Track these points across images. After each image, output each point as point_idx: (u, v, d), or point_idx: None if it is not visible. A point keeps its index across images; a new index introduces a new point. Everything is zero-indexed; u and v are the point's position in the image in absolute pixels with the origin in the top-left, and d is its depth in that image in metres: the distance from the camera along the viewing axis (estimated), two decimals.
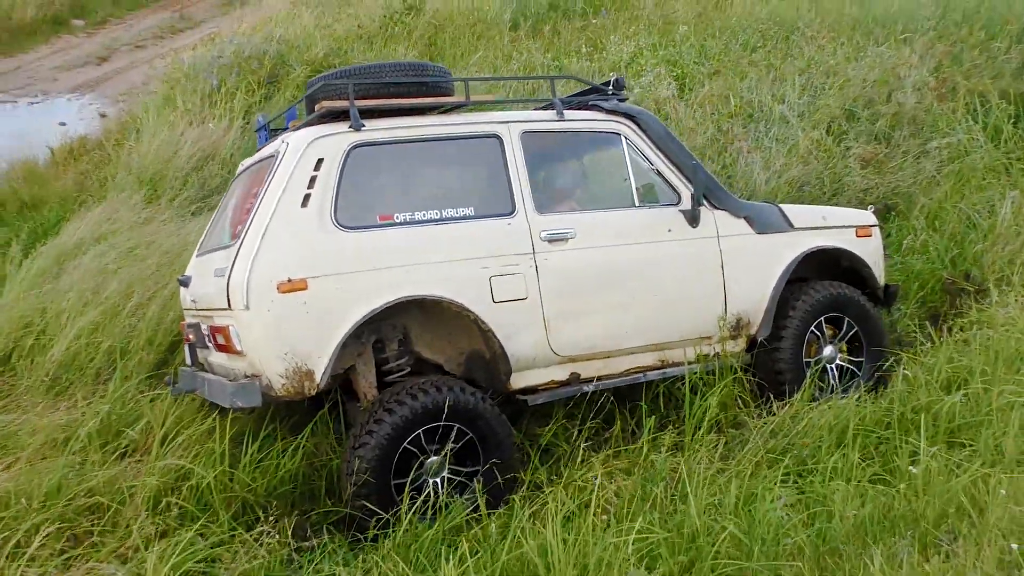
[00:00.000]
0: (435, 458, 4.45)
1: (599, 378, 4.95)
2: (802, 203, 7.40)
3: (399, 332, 4.73)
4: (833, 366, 5.50)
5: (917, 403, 4.53)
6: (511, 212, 4.74)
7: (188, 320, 5.15)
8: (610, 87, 5.44)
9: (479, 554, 3.60)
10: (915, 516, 3.54)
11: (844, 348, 5.57)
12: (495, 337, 4.60)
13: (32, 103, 13.44)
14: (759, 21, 10.85)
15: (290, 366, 4.24)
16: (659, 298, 5.01)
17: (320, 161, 4.43)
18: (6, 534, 3.86)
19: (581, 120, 5.10)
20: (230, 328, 4.39)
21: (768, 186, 7.62)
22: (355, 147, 4.53)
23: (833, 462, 4.06)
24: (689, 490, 3.73)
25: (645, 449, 4.48)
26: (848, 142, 7.87)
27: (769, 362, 5.35)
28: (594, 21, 11.74)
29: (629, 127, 5.16)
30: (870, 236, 5.78)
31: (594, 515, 3.66)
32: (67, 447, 4.66)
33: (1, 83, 14.22)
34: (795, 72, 9.18)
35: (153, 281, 6.06)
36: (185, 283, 5.08)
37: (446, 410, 4.38)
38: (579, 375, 4.92)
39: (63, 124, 12.13)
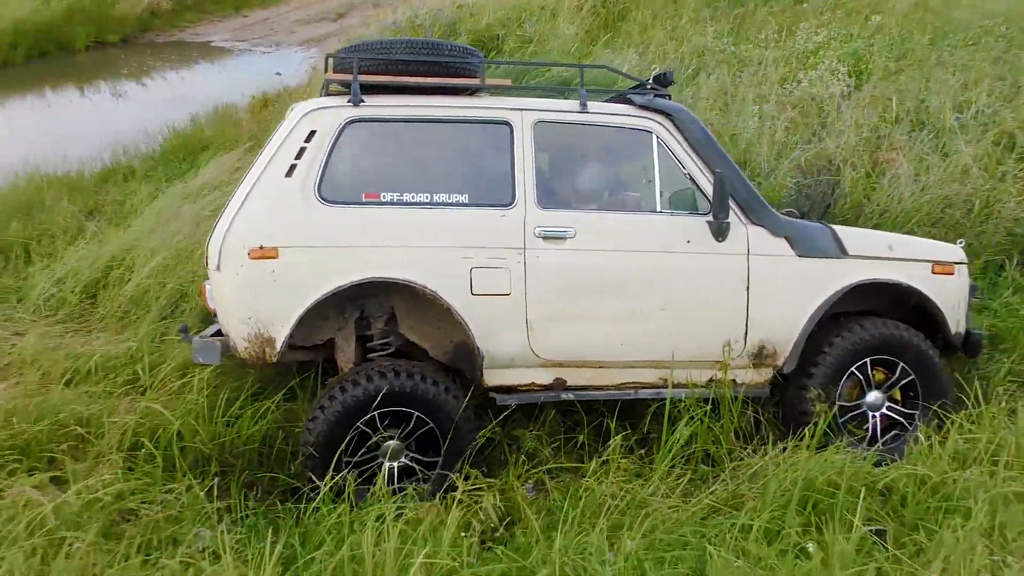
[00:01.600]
0: (393, 442, 4.42)
1: (586, 388, 4.68)
2: (937, 227, 6.59)
3: (386, 311, 4.70)
4: (877, 414, 4.87)
5: (912, 471, 3.92)
6: (509, 204, 4.55)
7: None
8: (649, 82, 5.05)
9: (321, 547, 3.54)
10: None
11: (898, 395, 4.92)
12: (468, 330, 4.47)
13: (264, 52, 14.51)
14: (986, 17, 9.65)
15: (252, 331, 4.33)
16: (667, 313, 4.63)
17: (312, 133, 4.45)
18: None
19: (607, 114, 4.77)
20: (206, 286, 4.57)
21: (910, 203, 6.80)
22: (351, 122, 4.51)
23: (764, 523, 3.60)
24: (560, 524, 3.45)
25: (593, 468, 4.20)
26: (1008, 164, 6.84)
27: (795, 400, 4.83)
28: (804, 5, 10.95)
29: (663, 126, 4.77)
30: (951, 274, 5.00)
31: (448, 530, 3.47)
32: (89, 376, 5.06)
33: (247, 33, 15.47)
34: (993, 78, 8.10)
35: None
36: None
37: (401, 396, 4.34)
38: (565, 381, 4.67)
39: (278, 74, 13.01)
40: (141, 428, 4.55)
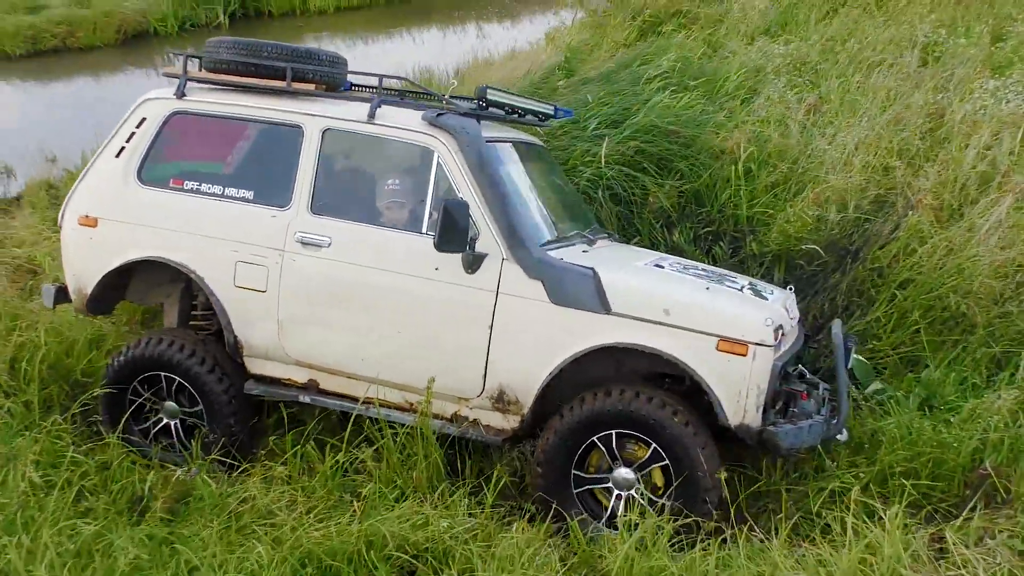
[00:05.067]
0: (171, 403, 4.98)
1: (342, 396, 4.78)
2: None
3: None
4: (624, 494, 4.31)
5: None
6: (285, 206, 4.74)
7: None
8: (445, 97, 4.82)
9: None
10: None
11: (658, 480, 4.30)
12: (227, 317, 4.81)
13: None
14: None
15: (76, 285, 5.10)
16: (403, 337, 4.56)
17: (143, 120, 5.00)
18: None
19: (392, 127, 4.67)
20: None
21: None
22: (174, 114, 4.98)
23: None
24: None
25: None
26: None
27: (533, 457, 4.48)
28: None
29: (445, 145, 4.56)
30: (742, 355, 4.13)
31: None
32: None
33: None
34: None
35: None
36: None
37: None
38: (318, 383, 4.83)
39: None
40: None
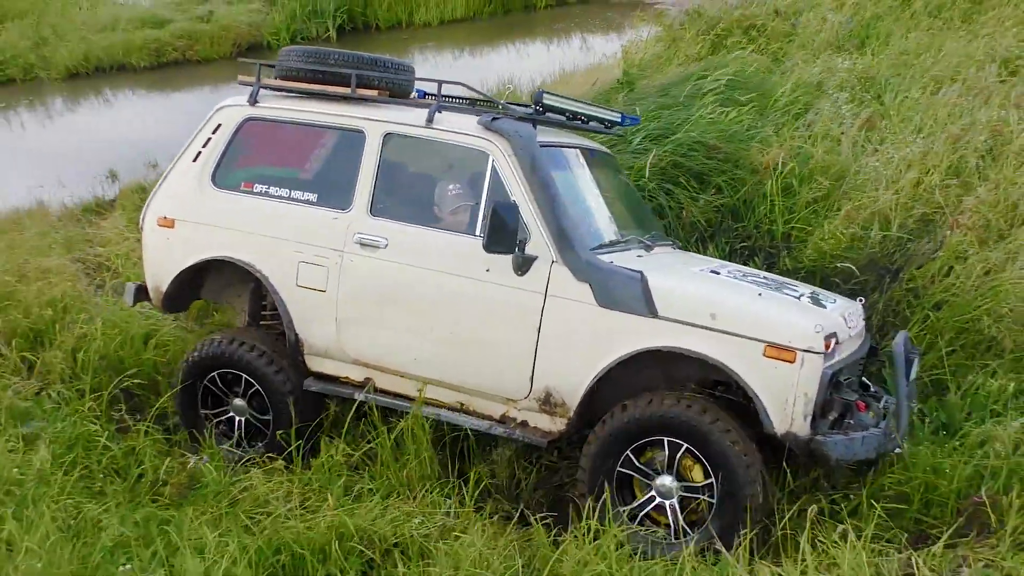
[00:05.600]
0: (240, 401, 5.25)
1: (397, 396, 4.92)
2: None
3: None
4: (669, 503, 4.32)
5: None
6: (346, 208, 4.94)
7: None
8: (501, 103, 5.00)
9: None
10: None
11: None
12: (289, 316, 5.05)
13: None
14: None
15: (153, 284, 5.46)
16: (454, 337, 4.69)
17: (219, 127, 5.30)
18: None
19: (449, 131, 4.81)
20: None
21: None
22: (247, 120, 5.25)
23: None
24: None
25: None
26: None
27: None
28: None
29: (500, 148, 4.66)
30: (790, 361, 4.08)
31: None
32: None
33: None
34: None
35: None
36: None
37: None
38: (374, 382, 4.98)
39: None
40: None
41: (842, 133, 6.74)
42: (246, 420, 5.23)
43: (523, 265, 4.50)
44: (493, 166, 4.66)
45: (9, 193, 9.21)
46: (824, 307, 4.52)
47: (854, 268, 5.80)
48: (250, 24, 15.52)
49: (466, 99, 5.35)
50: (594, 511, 4.16)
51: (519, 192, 4.59)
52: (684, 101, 6.96)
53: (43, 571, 3.51)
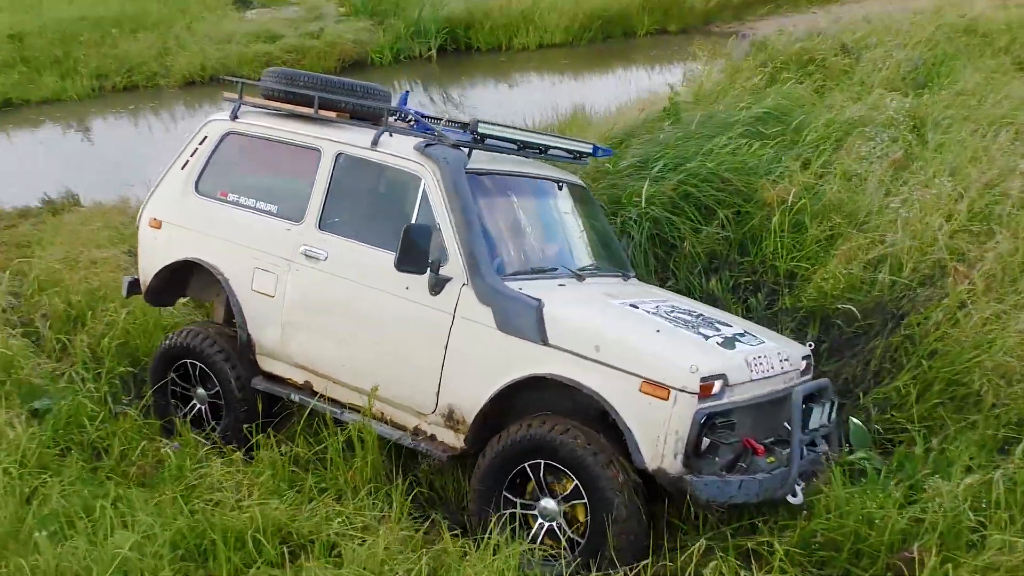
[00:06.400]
0: (202, 390, 5.63)
1: (334, 401, 5.16)
2: None
3: None
4: (553, 524, 4.41)
5: None
6: (299, 221, 5.27)
7: None
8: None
9: None
10: None
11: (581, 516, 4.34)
12: (243, 316, 5.41)
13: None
14: None
15: (143, 279, 5.91)
16: (377, 348, 4.95)
17: (205, 138, 5.74)
18: None
19: (389, 154, 5.06)
20: None
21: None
22: (228, 133, 5.67)
23: None
24: None
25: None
26: None
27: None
28: None
29: (431, 173, 4.88)
30: (663, 399, 4.12)
31: None
32: None
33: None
34: None
35: None
36: None
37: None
38: (311, 385, 5.29)
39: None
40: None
41: (870, 171, 6.57)
42: (206, 408, 5.58)
43: (437, 285, 4.69)
44: (424, 188, 4.86)
45: (109, 189, 9.92)
46: (733, 349, 4.47)
47: (855, 310, 5.66)
48: (355, 42, 16.15)
49: (457, 122, 5.57)
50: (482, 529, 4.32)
51: (442, 215, 4.78)
52: (708, 132, 6.91)
53: None
